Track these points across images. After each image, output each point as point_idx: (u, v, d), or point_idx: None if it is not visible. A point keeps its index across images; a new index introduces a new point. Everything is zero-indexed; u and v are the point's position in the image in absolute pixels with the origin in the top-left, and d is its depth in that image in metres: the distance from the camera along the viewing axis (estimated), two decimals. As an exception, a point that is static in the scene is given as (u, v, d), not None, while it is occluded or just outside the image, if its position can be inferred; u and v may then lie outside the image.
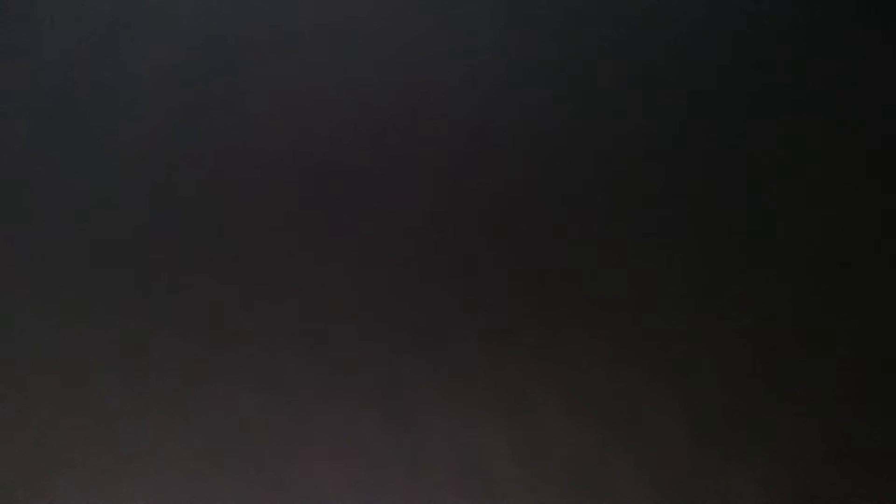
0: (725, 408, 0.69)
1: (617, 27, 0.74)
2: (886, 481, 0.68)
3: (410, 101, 0.74)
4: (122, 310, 0.72)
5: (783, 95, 0.73)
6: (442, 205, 0.72)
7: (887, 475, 0.68)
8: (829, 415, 0.69)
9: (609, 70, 0.74)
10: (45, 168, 0.74)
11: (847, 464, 0.68)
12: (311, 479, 0.69)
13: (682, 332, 0.70)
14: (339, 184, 0.73)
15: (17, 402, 0.70)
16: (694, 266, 0.71)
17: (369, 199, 0.73)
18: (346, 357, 0.71)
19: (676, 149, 0.72)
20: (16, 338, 0.71)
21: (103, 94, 0.75)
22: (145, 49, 0.75)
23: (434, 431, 0.69)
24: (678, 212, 0.71)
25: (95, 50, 0.75)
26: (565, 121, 0.73)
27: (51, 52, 0.75)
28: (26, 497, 0.69)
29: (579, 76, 0.74)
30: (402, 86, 0.74)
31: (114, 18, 0.76)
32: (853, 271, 0.70)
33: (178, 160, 0.74)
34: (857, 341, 0.70)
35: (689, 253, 0.71)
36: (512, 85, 0.73)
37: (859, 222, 0.71)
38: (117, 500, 0.68)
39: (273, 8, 0.75)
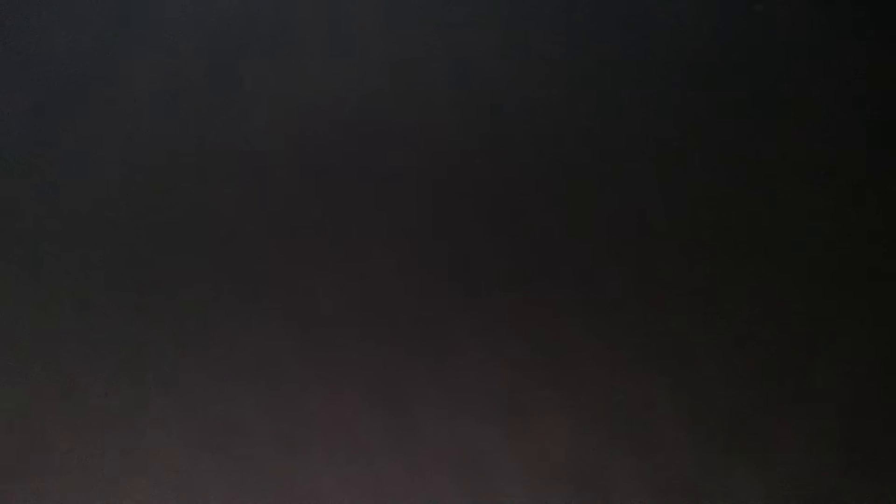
0: (725, 408, 0.69)
1: (618, 27, 0.74)
2: (888, 482, 0.68)
3: (410, 100, 0.74)
4: (120, 310, 0.72)
5: (785, 96, 0.73)
6: (442, 205, 0.72)
7: (889, 476, 0.68)
8: (830, 416, 0.69)
9: (609, 70, 0.74)
10: (45, 168, 0.74)
11: (848, 465, 0.68)
12: (310, 479, 0.69)
13: (682, 332, 0.70)
14: (338, 184, 0.73)
15: (14, 403, 0.70)
16: (694, 266, 0.71)
17: (369, 200, 0.73)
18: (346, 357, 0.71)
19: (677, 149, 0.72)
20: (13, 338, 0.71)
21: (102, 94, 0.75)
22: (145, 49, 0.75)
23: (434, 431, 0.69)
24: (678, 212, 0.71)
25: (95, 49, 0.75)
26: (565, 121, 0.73)
27: (50, 52, 0.75)
28: (25, 497, 0.69)
29: (579, 76, 0.73)
30: (402, 85, 0.74)
31: (114, 18, 0.76)
32: (855, 271, 0.70)
33: (178, 160, 0.74)
34: (858, 341, 0.70)
35: (689, 253, 0.71)
36: (512, 85, 0.73)
37: (861, 222, 0.71)
38: (116, 500, 0.68)
39: (272, 8, 0.75)
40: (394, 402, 0.70)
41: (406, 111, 0.74)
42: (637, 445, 0.69)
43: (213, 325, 0.72)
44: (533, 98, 0.73)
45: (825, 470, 0.68)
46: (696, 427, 0.69)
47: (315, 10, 0.75)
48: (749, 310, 0.70)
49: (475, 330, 0.71)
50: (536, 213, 0.72)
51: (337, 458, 0.69)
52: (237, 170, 0.73)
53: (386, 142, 0.73)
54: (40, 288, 0.72)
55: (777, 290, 0.70)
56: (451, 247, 0.72)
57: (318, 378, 0.70)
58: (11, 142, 0.74)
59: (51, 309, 0.72)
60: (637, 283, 0.71)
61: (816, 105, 0.72)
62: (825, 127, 0.72)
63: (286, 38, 0.75)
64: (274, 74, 0.74)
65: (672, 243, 0.71)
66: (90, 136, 0.74)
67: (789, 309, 0.70)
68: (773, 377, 0.69)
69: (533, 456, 0.69)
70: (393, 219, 0.72)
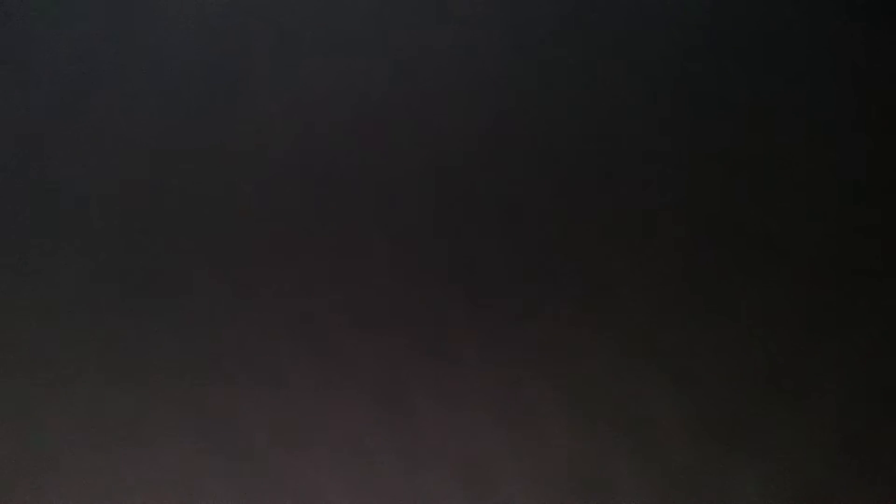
0: (725, 408, 0.69)
1: (618, 27, 0.74)
2: (888, 482, 0.68)
3: (410, 100, 0.74)
4: (120, 310, 0.72)
5: (786, 96, 0.73)
6: (442, 204, 0.72)
7: (889, 476, 0.68)
8: (830, 415, 0.69)
9: (609, 70, 0.74)
10: (44, 167, 0.74)
11: (848, 464, 0.68)
12: (310, 479, 0.69)
13: (682, 332, 0.70)
14: (338, 183, 0.73)
15: (14, 403, 0.70)
16: (694, 266, 0.71)
17: (369, 199, 0.73)
18: (346, 357, 0.71)
19: (677, 149, 0.72)
20: (13, 338, 0.71)
21: (102, 94, 0.75)
22: (145, 49, 0.75)
23: (434, 431, 0.69)
24: (678, 212, 0.71)
25: (95, 49, 0.75)
26: (566, 120, 0.73)
27: (50, 52, 0.75)
28: (25, 497, 0.68)
29: (580, 76, 0.74)
30: (402, 85, 0.74)
31: (114, 18, 0.76)
32: (856, 271, 0.70)
33: (178, 160, 0.74)
34: (858, 341, 0.70)
35: (689, 253, 0.71)
36: (512, 85, 0.73)
37: (861, 221, 0.71)
38: (115, 500, 0.68)
39: (272, 8, 0.76)
40: (394, 402, 0.70)
41: (406, 111, 0.74)
42: (637, 445, 0.69)
43: (214, 324, 0.72)
44: (533, 98, 0.73)
45: (825, 470, 0.68)
46: (696, 427, 0.69)
47: (315, 10, 0.75)
48: (749, 310, 0.70)
49: (475, 330, 0.71)
50: (536, 213, 0.72)
51: (337, 458, 0.69)
52: (237, 170, 0.73)
53: (386, 142, 0.73)
54: (40, 288, 0.72)
55: (777, 290, 0.70)
56: (451, 246, 0.72)
57: (318, 378, 0.71)
58: (11, 142, 0.74)
59: (51, 309, 0.72)
60: (637, 283, 0.71)
61: (816, 105, 0.72)
62: (825, 126, 0.72)
63: (286, 38, 0.75)
64: (274, 74, 0.74)
65: (672, 243, 0.71)
66: (90, 136, 0.74)
67: (789, 309, 0.70)
68: (773, 377, 0.69)
69: (533, 456, 0.69)
70: (393, 219, 0.72)
